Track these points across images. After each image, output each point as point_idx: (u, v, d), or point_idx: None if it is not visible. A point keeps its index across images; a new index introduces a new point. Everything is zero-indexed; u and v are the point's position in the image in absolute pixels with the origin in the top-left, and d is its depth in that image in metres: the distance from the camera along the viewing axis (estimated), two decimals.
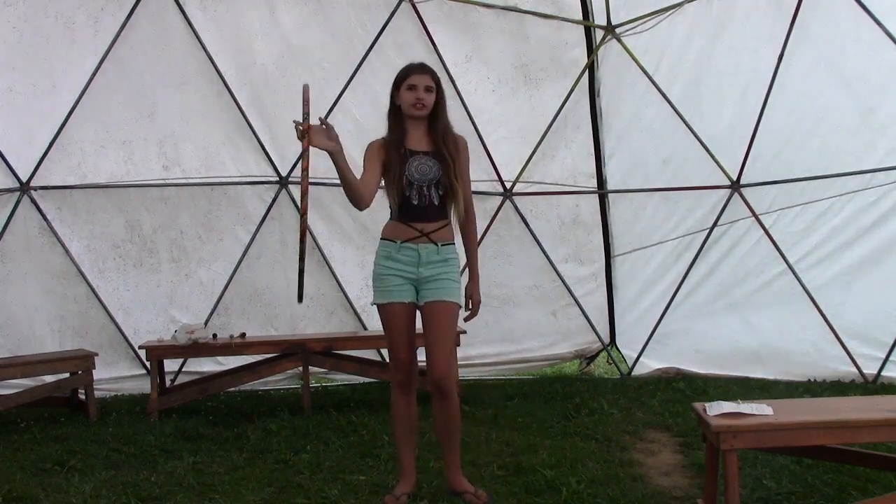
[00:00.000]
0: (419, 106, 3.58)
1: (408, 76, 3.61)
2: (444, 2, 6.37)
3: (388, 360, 6.31)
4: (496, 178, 6.72)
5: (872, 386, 5.94)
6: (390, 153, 3.61)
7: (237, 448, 4.68)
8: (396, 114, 3.67)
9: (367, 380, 6.45)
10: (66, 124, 5.96)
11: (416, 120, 3.64)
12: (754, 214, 6.37)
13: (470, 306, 3.76)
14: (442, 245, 3.61)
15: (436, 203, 3.59)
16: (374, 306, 3.66)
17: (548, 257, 6.86)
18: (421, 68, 3.64)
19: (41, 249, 6.11)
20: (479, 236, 6.35)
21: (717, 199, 6.50)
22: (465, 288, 3.75)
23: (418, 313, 3.66)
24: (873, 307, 6.01)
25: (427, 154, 3.61)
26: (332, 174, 6.37)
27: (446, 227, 3.64)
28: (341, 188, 6.67)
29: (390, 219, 3.67)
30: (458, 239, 3.76)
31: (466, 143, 3.73)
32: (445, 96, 3.70)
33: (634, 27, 6.43)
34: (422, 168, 3.58)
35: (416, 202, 3.57)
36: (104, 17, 5.92)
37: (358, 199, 3.51)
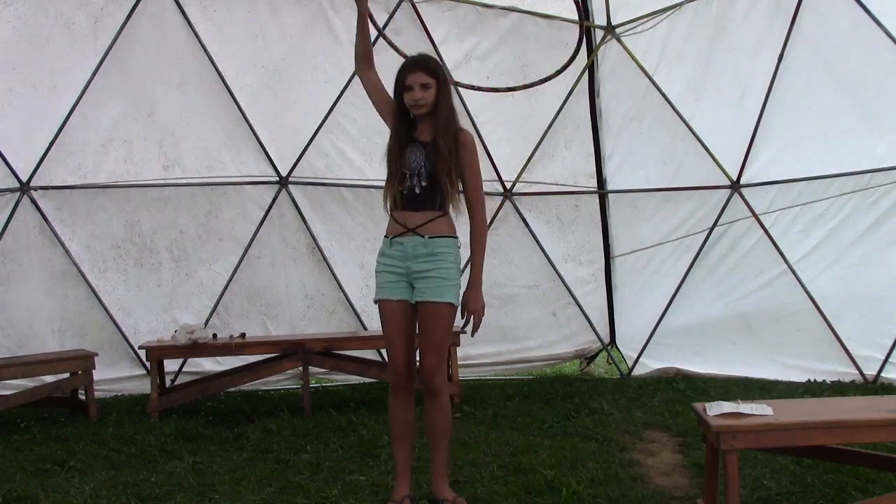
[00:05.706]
0: (418, 107, 3.47)
1: (403, 78, 3.50)
2: (444, 2, 6.38)
3: (387, 360, 6.33)
4: (496, 178, 6.72)
5: (872, 386, 5.94)
6: (397, 127, 3.52)
7: (237, 448, 4.67)
8: (401, 108, 3.52)
9: (367, 380, 6.45)
10: (66, 124, 5.96)
11: (421, 116, 3.51)
12: (754, 214, 6.37)
13: (464, 315, 3.49)
14: (430, 237, 3.44)
15: (417, 193, 3.43)
16: (376, 304, 3.59)
17: (548, 257, 6.86)
18: (415, 65, 3.50)
19: (41, 249, 6.11)
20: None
21: (717, 199, 6.50)
22: (463, 294, 3.51)
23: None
24: (873, 308, 6.01)
25: (423, 144, 3.47)
26: (331, 174, 6.49)
27: (435, 220, 3.44)
28: (341, 188, 6.74)
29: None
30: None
31: (471, 137, 3.53)
32: (449, 86, 3.53)
33: (634, 27, 6.43)
34: (410, 156, 3.46)
35: (401, 191, 3.44)
36: (104, 18, 5.92)
37: (358, 57, 3.75)
